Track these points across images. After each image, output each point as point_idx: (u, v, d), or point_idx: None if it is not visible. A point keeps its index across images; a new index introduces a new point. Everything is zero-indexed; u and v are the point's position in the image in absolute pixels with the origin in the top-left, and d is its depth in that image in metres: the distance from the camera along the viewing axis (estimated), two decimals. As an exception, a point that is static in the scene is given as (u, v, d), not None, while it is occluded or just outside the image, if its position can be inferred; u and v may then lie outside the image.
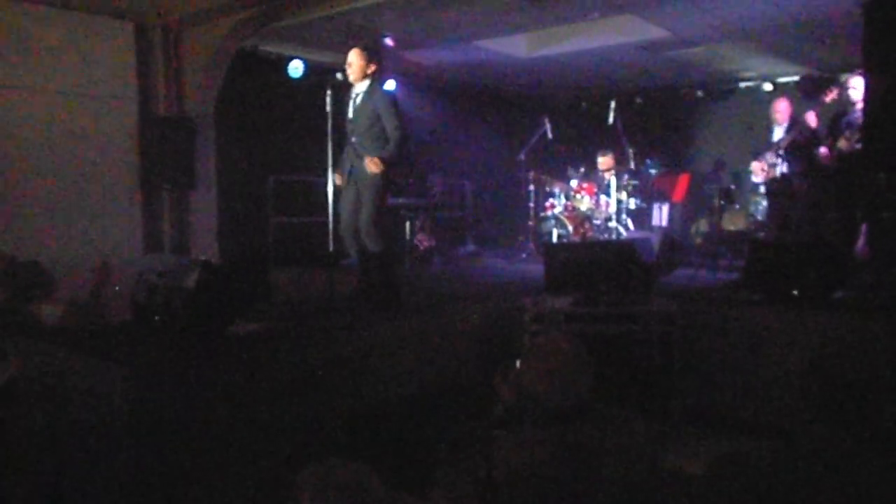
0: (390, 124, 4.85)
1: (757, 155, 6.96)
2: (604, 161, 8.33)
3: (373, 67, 4.96)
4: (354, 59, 4.94)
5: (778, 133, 6.89)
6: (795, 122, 6.71)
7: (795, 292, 4.70)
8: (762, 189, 7.38)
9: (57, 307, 4.54)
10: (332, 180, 5.09)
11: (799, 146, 6.61)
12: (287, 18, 6.43)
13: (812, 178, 6.60)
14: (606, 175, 8.07)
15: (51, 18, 5.87)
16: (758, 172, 7.01)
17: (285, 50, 7.85)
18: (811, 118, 6.52)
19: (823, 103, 6.53)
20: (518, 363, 2.31)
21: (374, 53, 5.01)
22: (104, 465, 3.15)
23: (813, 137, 6.55)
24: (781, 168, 6.68)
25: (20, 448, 3.34)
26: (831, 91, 6.48)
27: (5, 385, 3.70)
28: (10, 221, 5.67)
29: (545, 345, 2.34)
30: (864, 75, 4.59)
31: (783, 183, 6.70)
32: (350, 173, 5.00)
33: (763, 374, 4.14)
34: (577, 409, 2.07)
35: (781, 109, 6.94)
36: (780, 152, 6.67)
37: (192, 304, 3.85)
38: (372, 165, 4.78)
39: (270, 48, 7.84)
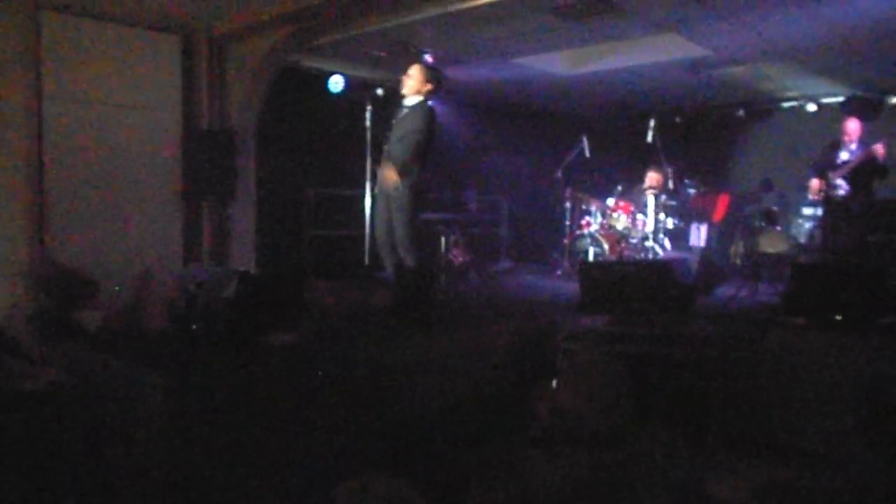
0: (415, 131, 4.86)
1: (819, 172, 6.77)
2: (653, 177, 8.25)
3: (429, 87, 5.00)
4: (414, 73, 4.99)
5: (844, 154, 6.70)
6: (863, 146, 6.54)
7: (839, 317, 4.59)
8: (804, 210, 7.23)
9: (98, 314, 4.64)
10: (369, 195, 5.13)
11: (861, 172, 6.45)
12: (329, 35, 6.52)
13: (862, 200, 6.45)
14: (648, 193, 7.99)
15: (101, 32, 6.02)
16: (814, 191, 6.81)
17: (326, 65, 7.95)
18: (880, 149, 6.36)
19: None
20: (554, 382, 2.28)
21: (434, 74, 5.05)
22: (142, 471, 3.18)
23: (880, 170, 6.40)
24: (843, 190, 6.52)
25: (62, 450, 3.39)
26: None
27: (47, 390, 3.78)
28: (56, 229, 5.81)
29: (583, 364, 2.31)
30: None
31: (842, 206, 6.53)
32: (380, 183, 5.02)
33: (806, 400, 4.02)
34: (614, 431, 2.03)
35: (851, 130, 6.75)
36: (846, 175, 6.50)
37: (229, 314, 3.90)
38: (389, 178, 4.80)
39: (312, 63, 7.95)
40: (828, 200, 6.67)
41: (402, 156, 4.84)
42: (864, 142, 6.58)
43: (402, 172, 4.80)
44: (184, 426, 3.17)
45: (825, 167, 6.74)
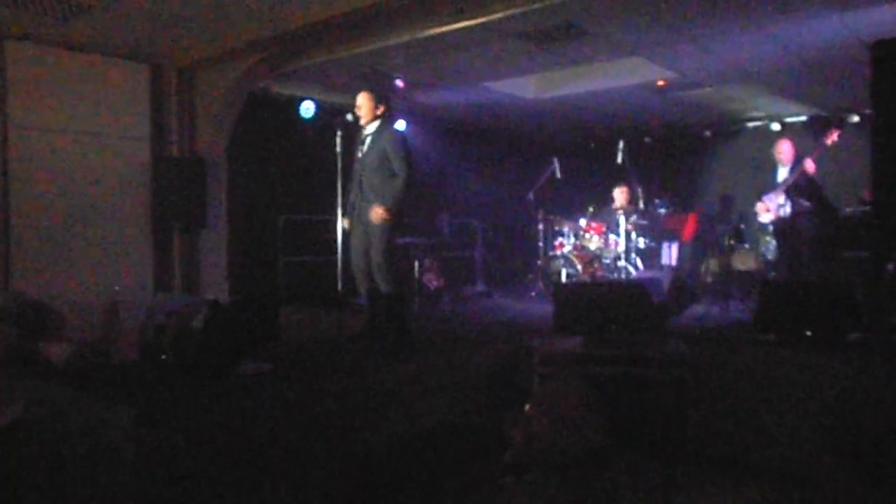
0: (397, 164, 4.88)
1: (762, 195, 6.98)
2: (620, 192, 8.38)
3: (381, 109, 5.01)
4: (363, 102, 5.00)
5: (782, 173, 6.92)
6: (798, 163, 6.74)
7: (809, 333, 4.65)
8: (771, 229, 7.37)
9: (65, 346, 4.54)
10: (341, 220, 5.11)
11: (800, 188, 6.63)
12: (298, 62, 6.53)
13: (817, 218, 6.60)
14: (619, 212, 8.08)
15: (68, 61, 5.98)
16: (762, 213, 7.01)
17: (297, 91, 7.96)
18: (809, 166, 6.56)
19: (825, 146, 6.58)
20: (527, 407, 2.27)
21: (382, 95, 5.07)
22: (108, 509, 3.10)
23: (810, 186, 6.59)
24: (786, 208, 6.69)
25: (25, 489, 3.30)
26: (831, 134, 6.54)
27: (11, 425, 3.68)
28: (22, 259, 5.71)
29: (555, 388, 2.31)
30: (871, 116, 4.60)
31: (790, 224, 6.70)
32: (359, 214, 5.01)
33: (779, 418, 4.05)
34: (588, 455, 2.02)
35: (784, 150, 6.97)
36: (785, 193, 6.68)
37: (199, 344, 3.84)
38: (376, 216, 4.79)
39: (282, 89, 7.95)
40: (777, 221, 6.84)
41: (388, 192, 4.84)
42: (799, 160, 6.78)
43: (393, 212, 4.81)
44: (153, 460, 3.10)
45: (766, 189, 6.94)
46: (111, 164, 6.25)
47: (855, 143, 7.63)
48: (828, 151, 6.71)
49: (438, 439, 3.73)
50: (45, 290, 5.41)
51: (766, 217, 7.02)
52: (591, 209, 8.51)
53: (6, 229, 5.65)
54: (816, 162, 6.59)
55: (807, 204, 6.67)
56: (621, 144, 8.35)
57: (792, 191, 6.66)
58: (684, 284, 7.01)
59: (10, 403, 3.80)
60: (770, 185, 6.94)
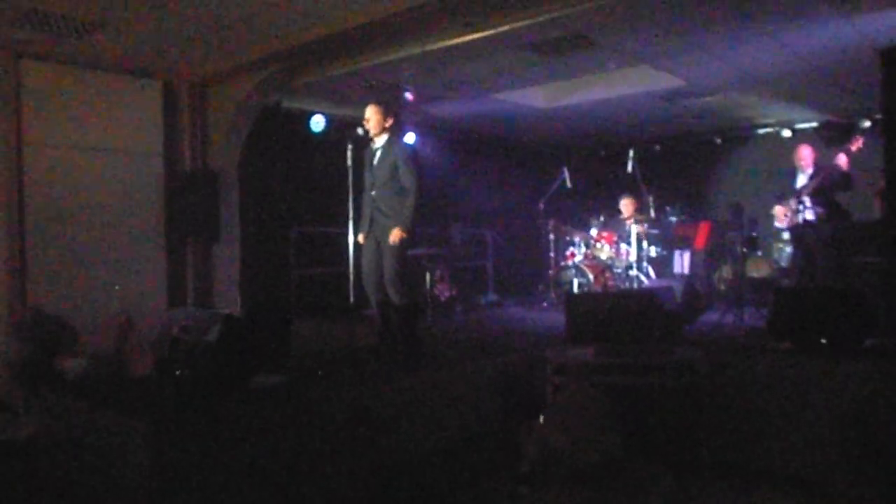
0: (407, 179, 4.89)
1: (780, 199, 6.93)
2: (626, 203, 8.34)
3: (390, 121, 5.04)
4: (372, 114, 5.02)
5: (801, 179, 6.88)
6: (819, 168, 6.69)
7: (824, 340, 4.61)
8: (785, 235, 7.31)
9: (80, 361, 4.58)
10: (352, 232, 5.13)
11: (823, 191, 6.57)
12: (309, 75, 6.58)
13: (837, 223, 6.54)
14: (628, 222, 8.06)
15: (81, 79, 6.06)
16: (780, 217, 6.96)
17: (307, 105, 8.01)
18: (842, 160, 6.50)
19: (850, 152, 6.52)
20: (541, 417, 2.27)
21: (390, 107, 5.09)
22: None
23: (844, 180, 6.53)
24: (805, 214, 6.64)
25: (42, 501, 3.32)
26: (857, 140, 6.49)
27: (28, 438, 3.71)
28: (38, 274, 5.76)
29: (568, 398, 2.30)
30: (882, 123, 4.58)
31: (808, 229, 6.65)
32: (371, 226, 5.02)
33: (794, 426, 4.02)
34: (603, 466, 2.02)
35: (805, 156, 6.93)
36: (805, 198, 6.64)
37: (213, 358, 3.85)
38: (394, 237, 4.81)
39: (293, 103, 8.01)
40: (794, 227, 6.79)
41: (402, 210, 4.86)
42: (819, 164, 6.73)
43: (407, 230, 4.82)
44: (168, 474, 3.12)
45: (785, 193, 6.90)
46: (125, 180, 6.31)
47: (867, 148, 7.59)
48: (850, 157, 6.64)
49: (452, 450, 3.72)
50: (60, 305, 5.45)
51: (782, 222, 6.96)
52: (601, 218, 8.50)
53: (22, 244, 5.71)
54: (848, 158, 6.53)
55: (820, 209, 6.63)
56: (631, 153, 8.35)
57: (815, 195, 6.60)
58: (697, 292, 6.97)
59: (27, 418, 3.84)
60: (789, 191, 6.89)
